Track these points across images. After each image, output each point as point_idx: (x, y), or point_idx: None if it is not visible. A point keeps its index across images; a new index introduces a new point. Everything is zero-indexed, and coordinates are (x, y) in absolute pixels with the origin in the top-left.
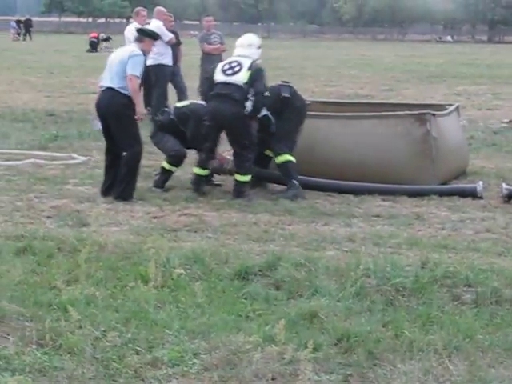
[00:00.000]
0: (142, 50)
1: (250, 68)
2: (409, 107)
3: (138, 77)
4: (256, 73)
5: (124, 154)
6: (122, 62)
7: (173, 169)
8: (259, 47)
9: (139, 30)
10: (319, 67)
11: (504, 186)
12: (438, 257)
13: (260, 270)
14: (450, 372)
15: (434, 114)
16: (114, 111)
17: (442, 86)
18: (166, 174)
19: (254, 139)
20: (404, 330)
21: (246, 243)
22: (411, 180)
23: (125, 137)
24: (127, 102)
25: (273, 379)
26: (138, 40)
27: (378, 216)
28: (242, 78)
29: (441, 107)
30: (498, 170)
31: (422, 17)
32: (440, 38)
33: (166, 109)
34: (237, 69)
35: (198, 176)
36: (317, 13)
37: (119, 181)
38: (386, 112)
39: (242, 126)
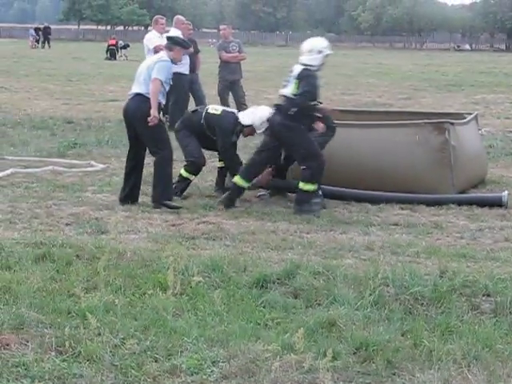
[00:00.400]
0: (171, 58)
1: (297, 77)
2: (427, 116)
3: (161, 81)
4: (301, 81)
5: (154, 158)
6: (149, 67)
7: (191, 177)
8: (320, 52)
9: (169, 38)
10: (337, 75)
11: None
12: (457, 266)
13: (278, 279)
14: (469, 382)
15: (452, 123)
16: (141, 116)
17: (460, 95)
18: (184, 182)
19: (310, 147)
20: (423, 339)
21: (264, 251)
22: (429, 189)
23: (153, 141)
24: None
25: None
26: (168, 48)
27: (396, 225)
28: (291, 89)
29: (459, 116)
30: None
31: (440, 25)
32: (458, 46)
33: (199, 109)
34: (289, 79)
35: (237, 186)
36: (335, 21)
37: (153, 186)
38: (404, 120)
39: (291, 136)
